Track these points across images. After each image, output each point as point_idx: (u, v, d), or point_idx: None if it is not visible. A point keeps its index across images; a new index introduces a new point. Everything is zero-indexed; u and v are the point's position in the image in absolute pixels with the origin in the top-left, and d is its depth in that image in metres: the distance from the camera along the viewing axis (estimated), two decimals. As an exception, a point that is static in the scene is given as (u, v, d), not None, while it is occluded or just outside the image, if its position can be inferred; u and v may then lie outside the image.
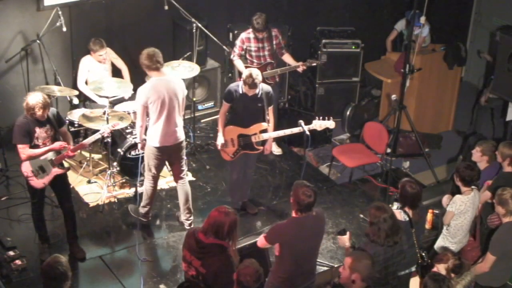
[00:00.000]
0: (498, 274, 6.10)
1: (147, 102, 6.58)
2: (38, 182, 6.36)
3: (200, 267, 5.06)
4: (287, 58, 8.36)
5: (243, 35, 8.16)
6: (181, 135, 6.87)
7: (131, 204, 7.34)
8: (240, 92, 6.91)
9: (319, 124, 6.97)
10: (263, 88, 6.96)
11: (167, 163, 7.23)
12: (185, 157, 7.07)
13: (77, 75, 8.22)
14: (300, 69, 8.30)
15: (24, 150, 6.21)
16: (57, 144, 6.32)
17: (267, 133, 7.08)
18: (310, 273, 5.73)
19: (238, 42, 8.18)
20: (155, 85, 6.60)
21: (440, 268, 5.33)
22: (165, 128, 6.68)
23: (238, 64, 8.19)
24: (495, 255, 5.94)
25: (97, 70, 8.16)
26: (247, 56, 8.20)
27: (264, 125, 7.03)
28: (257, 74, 6.79)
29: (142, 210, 7.16)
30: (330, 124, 7.00)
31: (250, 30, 8.11)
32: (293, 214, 5.47)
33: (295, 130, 6.89)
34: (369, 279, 4.92)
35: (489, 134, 9.18)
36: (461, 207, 6.26)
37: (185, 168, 7.10)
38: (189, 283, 5.15)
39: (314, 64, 8.64)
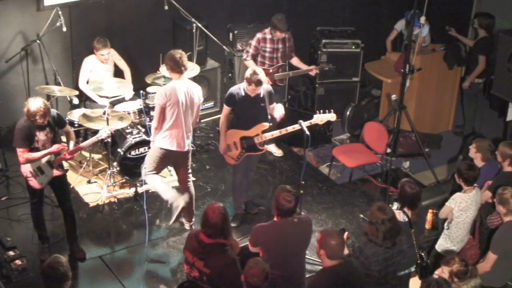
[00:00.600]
0: (499, 274, 6.11)
1: (166, 103, 6.47)
2: (37, 183, 6.36)
3: (203, 267, 5.06)
4: (295, 61, 8.34)
5: (259, 35, 8.09)
6: (189, 143, 6.80)
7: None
8: (242, 94, 6.84)
9: (320, 118, 6.91)
10: (264, 87, 6.90)
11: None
12: (190, 161, 7.01)
13: (78, 75, 8.23)
14: (312, 73, 8.28)
15: (23, 154, 6.20)
16: (55, 147, 6.31)
17: (269, 133, 7.01)
18: (295, 280, 5.66)
19: (253, 42, 8.11)
20: (176, 88, 6.50)
21: (445, 271, 5.30)
22: (176, 133, 6.59)
23: (251, 64, 8.01)
24: (496, 253, 5.95)
25: (99, 70, 8.16)
26: (259, 57, 8.16)
27: (266, 125, 6.95)
28: (260, 71, 6.73)
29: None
30: (331, 116, 6.93)
31: (266, 30, 8.07)
32: (274, 218, 5.49)
33: (297, 126, 6.75)
34: (336, 257, 5.06)
35: (485, 131, 9.18)
36: (462, 204, 6.26)
37: (190, 171, 7.04)
38: (190, 283, 5.15)
39: (326, 68, 8.59)
